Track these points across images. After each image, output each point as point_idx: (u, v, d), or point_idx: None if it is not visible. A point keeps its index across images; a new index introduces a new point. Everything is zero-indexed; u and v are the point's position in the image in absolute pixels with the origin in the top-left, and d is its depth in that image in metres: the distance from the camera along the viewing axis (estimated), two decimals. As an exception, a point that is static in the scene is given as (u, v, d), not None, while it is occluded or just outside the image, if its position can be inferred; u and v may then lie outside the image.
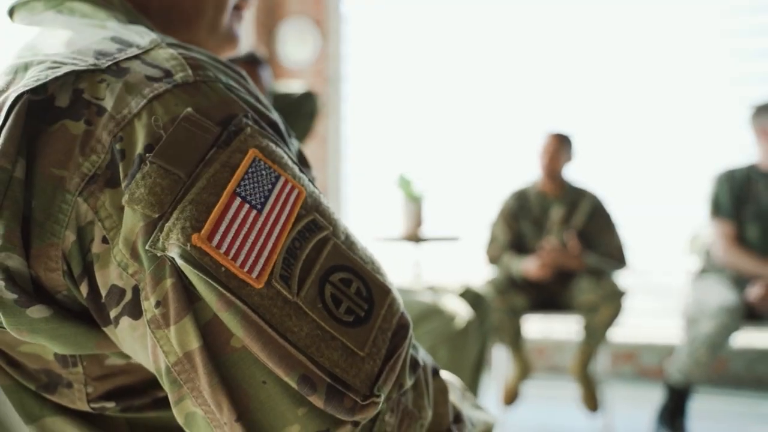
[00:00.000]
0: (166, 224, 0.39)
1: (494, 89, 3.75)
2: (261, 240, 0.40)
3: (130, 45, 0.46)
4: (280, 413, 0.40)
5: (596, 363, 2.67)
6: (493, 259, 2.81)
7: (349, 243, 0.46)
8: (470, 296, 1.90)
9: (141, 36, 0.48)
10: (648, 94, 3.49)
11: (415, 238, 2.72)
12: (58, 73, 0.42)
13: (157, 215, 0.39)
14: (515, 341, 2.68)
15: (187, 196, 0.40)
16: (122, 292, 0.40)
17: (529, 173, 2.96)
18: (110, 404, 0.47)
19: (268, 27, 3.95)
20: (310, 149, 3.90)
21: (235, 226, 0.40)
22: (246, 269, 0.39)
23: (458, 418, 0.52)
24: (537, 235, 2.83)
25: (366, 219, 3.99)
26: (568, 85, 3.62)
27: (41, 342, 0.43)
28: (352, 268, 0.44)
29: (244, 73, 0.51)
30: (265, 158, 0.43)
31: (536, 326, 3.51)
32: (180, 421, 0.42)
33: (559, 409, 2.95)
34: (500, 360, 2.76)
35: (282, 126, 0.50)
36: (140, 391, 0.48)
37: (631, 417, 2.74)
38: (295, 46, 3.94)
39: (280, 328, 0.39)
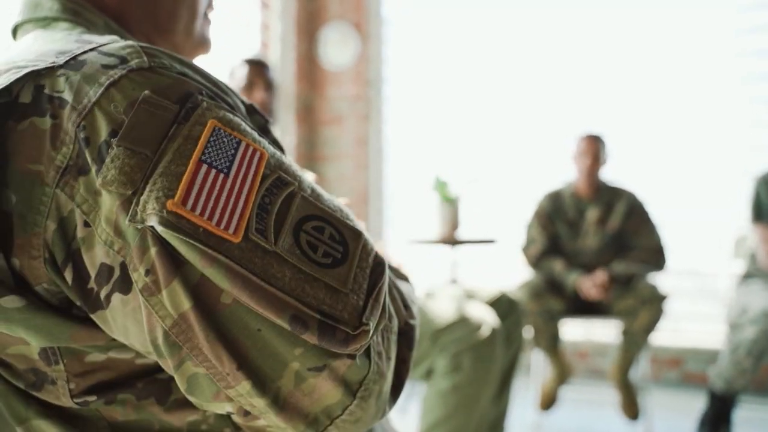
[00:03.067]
0: (141, 197, 0.41)
1: (531, 91, 3.71)
2: (232, 199, 0.43)
3: (90, 43, 0.49)
4: (278, 356, 0.44)
5: (637, 369, 2.61)
6: (533, 260, 2.76)
7: (316, 195, 0.49)
8: (504, 302, 1.87)
9: (102, 37, 0.51)
10: (690, 96, 3.39)
11: (451, 240, 2.70)
12: (19, 75, 0.45)
13: (130, 192, 0.42)
14: (552, 345, 2.64)
15: (156, 170, 0.42)
16: (111, 269, 0.43)
17: (563, 174, 2.91)
18: (92, 398, 0.50)
19: (310, 32, 4.02)
20: (352, 152, 3.95)
21: (206, 189, 0.43)
22: (222, 227, 0.42)
23: (406, 307, 0.59)
24: (573, 237, 2.79)
25: (405, 221, 4.00)
26: (605, 87, 3.55)
27: (16, 332, 0.46)
28: (322, 216, 0.48)
29: (205, 69, 0.54)
30: (225, 126, 0.46)
31: (578, 329, 3.45)
32: (182, 387, 0.45)
33: (599, 414, 2.89)
34: (538, 364, 2.73)
35: (242, 109, 0.54)
36: (121, 384, 0.51)
37: (674, 424, 2.66)
38: (337, 49, 3.99)
39: (264, 276, 0.42)
